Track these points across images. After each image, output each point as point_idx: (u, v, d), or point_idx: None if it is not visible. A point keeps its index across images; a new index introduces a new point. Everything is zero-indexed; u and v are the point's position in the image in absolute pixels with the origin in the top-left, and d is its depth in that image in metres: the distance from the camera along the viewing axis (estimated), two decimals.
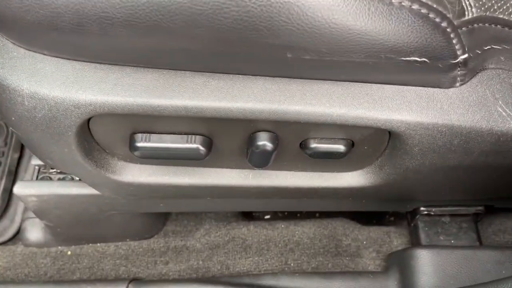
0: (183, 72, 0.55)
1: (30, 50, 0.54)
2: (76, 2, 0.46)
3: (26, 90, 0.53)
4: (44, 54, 0.54)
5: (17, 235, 0.98)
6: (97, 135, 0.62)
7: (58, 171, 0.85)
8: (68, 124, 0.56)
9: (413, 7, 0.49)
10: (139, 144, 0.60)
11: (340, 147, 0.62)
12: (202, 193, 0.74)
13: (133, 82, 0.54)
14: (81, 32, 0.48)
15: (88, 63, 0.54)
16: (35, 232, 0.95)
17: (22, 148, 1.02)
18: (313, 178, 0.71)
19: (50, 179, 0.85)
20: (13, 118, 0.57)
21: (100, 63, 0.54)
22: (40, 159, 0.68)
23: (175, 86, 0.54)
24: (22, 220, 0.96)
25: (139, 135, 0.60)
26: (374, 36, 0.49)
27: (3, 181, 0.98)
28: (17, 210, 0.99)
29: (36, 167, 0.88)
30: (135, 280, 0.88)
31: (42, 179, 0.86)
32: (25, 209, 0.97)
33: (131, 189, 0.71)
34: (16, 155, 1.01)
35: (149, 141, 0.60)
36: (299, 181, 0.71)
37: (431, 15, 0.49)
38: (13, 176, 1.00)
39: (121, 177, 0.68)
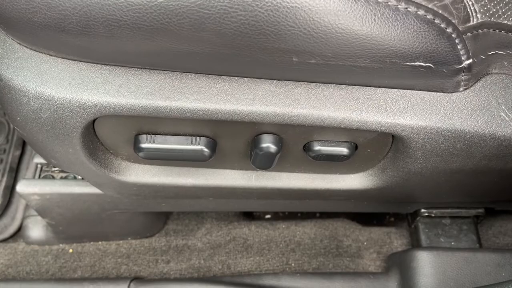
0: (188, 74, 0.55)
1: (36, 51, 0.54)
2: (84, 5, 0.46)
3: (32, 91, 0.53)
4: (50, 55, 0.54)
5: (18, 233, 0.98)
6: (102, 136, 0.62)
7: (61, 169, 0.85)
8: (73, 125, 0.56)
9: (418, 12, 0.49)
10: (143, 145, 0.60)
11: (344, 150, 0.62)
12: (205, 193, 0.74)
13: (138, 84, 0.54)
14: (88, 34, 0.48)
15: (94, 65, 0.54)
16: (36, 230, 0.95)
17: (23, 145, 1.02)
18: (315, 180, 0.71)
19: (53, 177, 0.85)
20: (18, 119, 0.57)
21: (106, 64, 0.54)
22: (44, 158, 0.68)
23: (180, 88, 0.55)
24: (24, 218, 0.96)
25: (144, 136, 0.60)
26: (380, 41, 0.49)
27: (4, 179, 0.98)
28: (18, 208, 0.99)
29: (39, 165, 0.88)
30: (136, 279, 0.88)
31: (44, 177, 0.86)
32: (27, 207, 0.97)
33: (134, 189, 0.71)
34: (18, 152, 1.01)
35: (154, 142, 0.60)
36: (301, 182, 0.71)
37: (437, 21, 0.50)
38: (15, 173, 1.00)
39: (125, 177, 0.68)
